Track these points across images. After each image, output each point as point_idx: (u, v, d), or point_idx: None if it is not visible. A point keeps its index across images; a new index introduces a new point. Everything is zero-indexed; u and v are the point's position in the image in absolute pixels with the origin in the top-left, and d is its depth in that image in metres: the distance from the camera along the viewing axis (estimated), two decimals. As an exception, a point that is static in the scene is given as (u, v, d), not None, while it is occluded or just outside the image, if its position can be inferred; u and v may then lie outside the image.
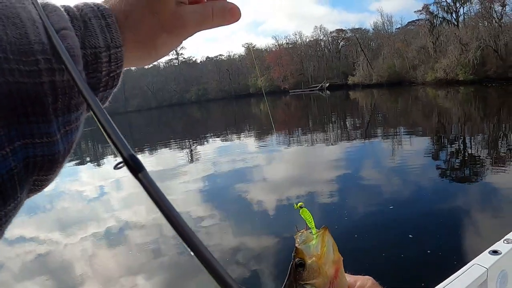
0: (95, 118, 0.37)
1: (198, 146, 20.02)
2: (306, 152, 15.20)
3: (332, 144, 16.31)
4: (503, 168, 10.08)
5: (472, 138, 16.06)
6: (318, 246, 0.58)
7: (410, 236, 5.90)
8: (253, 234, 6.87)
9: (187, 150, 19.35)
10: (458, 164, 11.66)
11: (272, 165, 13.34)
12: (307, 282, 0.56)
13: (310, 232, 0.61)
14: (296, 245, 0.59)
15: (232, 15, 0.52)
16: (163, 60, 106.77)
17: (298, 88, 74.84)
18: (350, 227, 6.63)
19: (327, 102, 49.94)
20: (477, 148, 13.81)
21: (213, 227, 7.40)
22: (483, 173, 9.96)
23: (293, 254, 0.59)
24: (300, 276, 0.57)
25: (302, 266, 0.57)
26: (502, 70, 41.47)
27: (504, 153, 12.55)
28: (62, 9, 0.43)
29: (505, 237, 2.89)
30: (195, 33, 0.52)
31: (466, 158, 12.47)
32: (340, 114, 31.78)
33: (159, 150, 20.34)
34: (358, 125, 24.04)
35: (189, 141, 22.75)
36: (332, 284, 0.57)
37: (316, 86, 73.31)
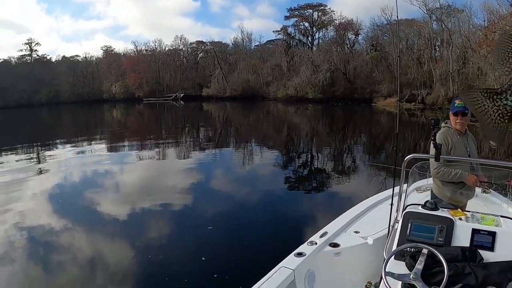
0: None
1: (47, 153, 17.23)
2: (158, 161, 14.43)
3: (184, 154, 15.79)
4: (343, 177, 11.14)
5: (318, 151, 17.03)
6: None
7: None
8: (106, 245, 6.27)
9: (35, 157, 16.47)
10: (302, 173, 12.09)
11: (124, 174, 12.34)
12: None
13: None
14: None
15: None
16: (15, 55, 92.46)
17: (152, 97, 72.44)
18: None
19: (180, 112, 49.14)
20: (323, 160, 14.50)
21: (64, 236, 6.61)
22: (324, 182, 10.76)
23: None
24: None
25: None
26: (349, 92, 46.26)
27: (346, 164, 13.61)
28: None
29: (309, 239, 3.20)
30: None
31: (312, 168, 13.04)
32: (194, 125, 31.24)
33: (4, 157, 16.69)
34: (210, 135, 23.68)
35: (38, 147, 19.37)
36: None
37: (171, 96, 72.04)
